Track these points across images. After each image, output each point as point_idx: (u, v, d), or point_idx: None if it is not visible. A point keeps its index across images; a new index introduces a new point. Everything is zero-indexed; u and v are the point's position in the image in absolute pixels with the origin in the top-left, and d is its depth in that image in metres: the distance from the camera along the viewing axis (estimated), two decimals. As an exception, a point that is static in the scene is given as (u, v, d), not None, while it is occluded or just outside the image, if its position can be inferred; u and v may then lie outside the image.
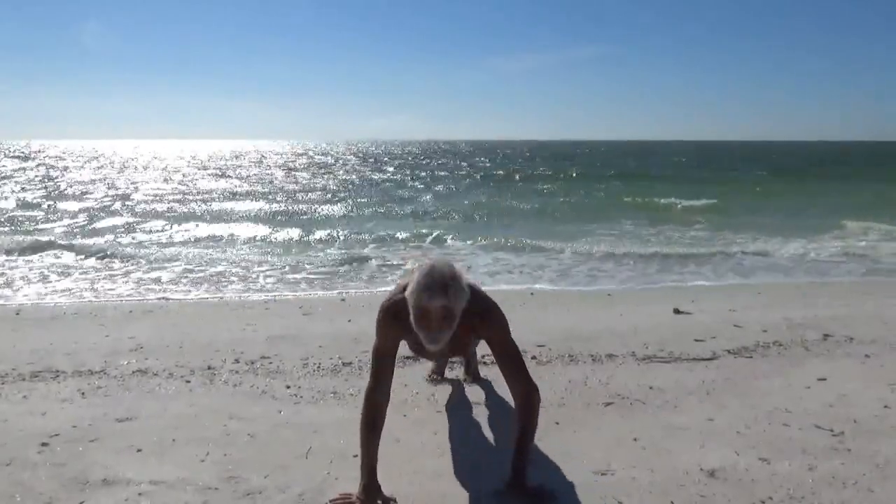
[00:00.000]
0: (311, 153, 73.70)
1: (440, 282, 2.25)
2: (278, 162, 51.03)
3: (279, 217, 16.80)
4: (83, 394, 3.62)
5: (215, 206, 19.26)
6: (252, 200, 20.89)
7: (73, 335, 5.07)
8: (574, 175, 34.46)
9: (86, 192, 23.33)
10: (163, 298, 7.30)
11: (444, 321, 2.29)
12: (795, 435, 2.97)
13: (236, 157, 63.58)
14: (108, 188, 25.60)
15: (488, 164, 48.74)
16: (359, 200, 21.04)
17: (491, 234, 12.68)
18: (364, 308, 6.27)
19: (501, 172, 37.96)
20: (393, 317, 2.47)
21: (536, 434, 2.51)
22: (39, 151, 72.84)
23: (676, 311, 5.84)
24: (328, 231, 13.59)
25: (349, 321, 5.58)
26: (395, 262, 9.84)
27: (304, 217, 16.91)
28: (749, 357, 4.29)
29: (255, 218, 16.53)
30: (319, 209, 18.54)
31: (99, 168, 40.41)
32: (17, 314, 6.13)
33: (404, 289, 2.43)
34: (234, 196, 22.51)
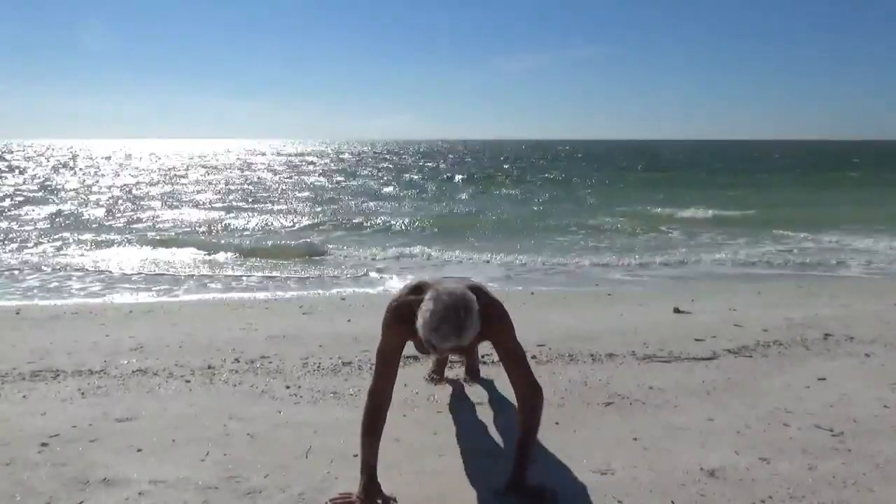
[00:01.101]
0: (295, 153, 72.82)
1: (453, 323, 2.15)
2: (255, 162, 50.04)
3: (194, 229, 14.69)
4: (83, 394, 3.62)
5: (139, 213, 17.41)
6: (184, 207, 18.68)
7: (73, 335, 5.07)
8: (559, 178, 33.11)
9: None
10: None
11: (453, 352, 2.31)
12: (795, 435, 2.97)
13: (216, 156, 62.51)
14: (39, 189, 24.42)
15: (469, 163, 47.91)
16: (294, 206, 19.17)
17: (412, 243, 11.85)
18: (364, 308, 6.28)
19: (491, 170, 37.42)
20: (400, 318, 2.44)
21: (537, 434, 2.51)
22: (14, 151, 71.55)
23: (676, 311, 5.84)
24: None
25: (349, 321, 5.58)
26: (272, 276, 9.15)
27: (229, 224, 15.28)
28: (749, 357, 4.28)
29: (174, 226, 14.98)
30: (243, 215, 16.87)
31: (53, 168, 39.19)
32: (17, 314, 6.13)
33: (412, 290, 2.43)
34: (167, 201, 20.50)
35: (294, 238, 12.85)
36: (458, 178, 32.75)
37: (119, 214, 16.92)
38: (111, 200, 20.47)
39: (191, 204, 19.82)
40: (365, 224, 15.11)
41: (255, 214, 17.08)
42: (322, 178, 32.07)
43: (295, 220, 15.72)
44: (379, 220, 15.49)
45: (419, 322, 2.21)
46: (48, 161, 48.60)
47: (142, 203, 19.78)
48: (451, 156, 64.23)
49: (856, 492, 2.45)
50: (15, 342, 4.83)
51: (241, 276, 9.01)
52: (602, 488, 2.48)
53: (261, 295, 7.56)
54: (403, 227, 14.76)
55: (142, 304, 6.96)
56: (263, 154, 69.62)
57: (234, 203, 20.11)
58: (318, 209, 18.28)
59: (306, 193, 23.76)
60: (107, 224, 15.17)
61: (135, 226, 15.01)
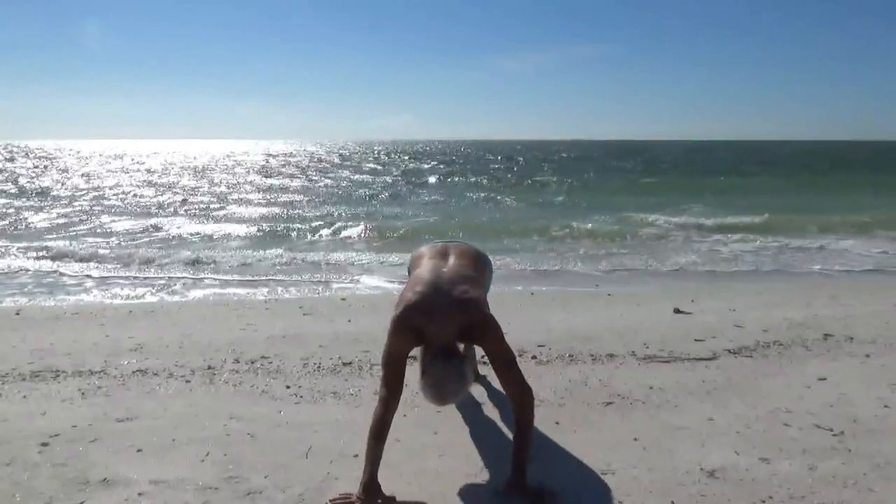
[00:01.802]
0: (286, 153, 71.83)
1: (448, 390, 2.35)
2: (237, 163, 48.47)
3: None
4: (83, 394, 3.62)
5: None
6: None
7: (73, 335, 5.07)
8: (543, 178, 30.70)
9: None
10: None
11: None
12: (795, 435, 2.97)
13: (194, 158, 60.39)
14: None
15: (456, 164, 46.80)
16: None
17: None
18: (364, 308, 6.28)
19: (474, 172, 36.35)
20: (406, 326, 2.45)
21: (537, 434, 2.52)
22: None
23: (676, 311, 5.84)
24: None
25: (349, 321, 5.58)
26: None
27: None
28: (749, 357, 4.28)
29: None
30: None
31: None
32: (17, 314, 6.13)
33: (411, 307, 2.44)
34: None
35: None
36: (432, 178, 31.61)
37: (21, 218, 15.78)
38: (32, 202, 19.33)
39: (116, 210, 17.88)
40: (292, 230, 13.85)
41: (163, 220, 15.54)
42: (292, 180, 30.49)
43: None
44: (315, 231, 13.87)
45: (418, 384, 2.41)
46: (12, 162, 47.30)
47: (63, 206, 18.49)
48: (439, 156, 63.47)
49: (856, 492, 2.45)
50: (15, 342, 4.83)
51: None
52: (602, 488, 2.48)
53: (261, 295, 7.57)
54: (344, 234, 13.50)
55: (142, 304, 6.96)
56: (260, 155, 68.53)
57: (172, 208, 18.56)
58: (277, 211, 17.40)
59: (265, 196, 22.34)
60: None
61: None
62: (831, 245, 11.49)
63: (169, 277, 8.88)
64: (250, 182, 29.28)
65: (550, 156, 66.84)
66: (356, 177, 34.00)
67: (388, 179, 32.05)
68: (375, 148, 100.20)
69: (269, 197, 22.20)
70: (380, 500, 2.34)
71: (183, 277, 8.86)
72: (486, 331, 2.48)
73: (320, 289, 8.01)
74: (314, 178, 32.92)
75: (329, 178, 33.00)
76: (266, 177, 33.01)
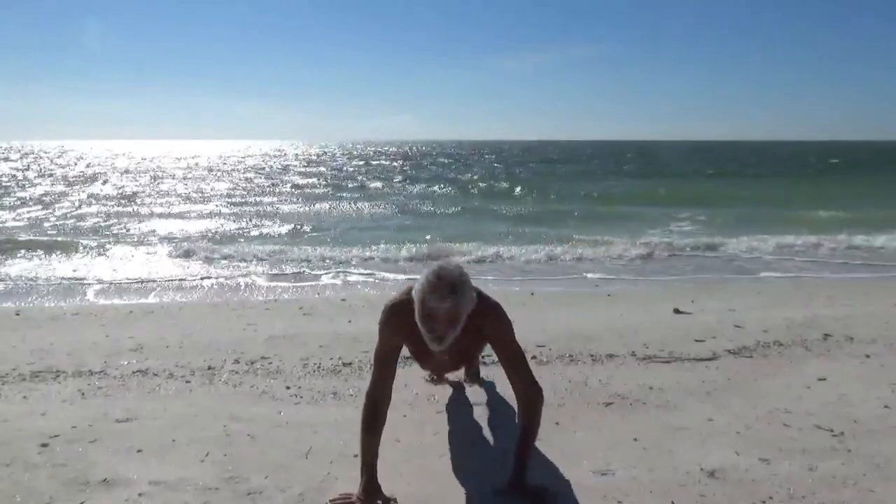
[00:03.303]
0: (264, 154, 71.27)
1: (448, 283, 2.24)
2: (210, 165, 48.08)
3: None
4: (83, 394, 3.62)
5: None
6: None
7: (73, 335, 5.07)
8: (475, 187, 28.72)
9: None
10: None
11: (451, 323, 2.30)
12: (795, 435, 2.97)
13: (161, 158, 60.30)
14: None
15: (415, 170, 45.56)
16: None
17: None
18: (364, 308, 6.28)
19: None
20: (396, 318, 2.47)
21: (537, 434, 2.51)
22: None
23: (676, 311, 5.84)
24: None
25: (349, 321, 5.59)
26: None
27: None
28: (749, 357, 4.28)
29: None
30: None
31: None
32: (17, 314, 6.13)
33: (409, 290, 2.43)
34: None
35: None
36: (377, 184, 29.96)
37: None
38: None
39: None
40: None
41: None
42: (222, 184, 29.45)
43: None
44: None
45: (416, 293, 2.31)
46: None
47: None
48: (417, 158, 63.12)
49: (856, 492, 2.45)
50: (15, 343, 4.83)
51: None
52: (602, 488, 2.47)
53: (261, 295, 7.57)
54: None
55: (142, 304, 6.96)
56: (248, 156, 67.70)
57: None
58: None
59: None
60: None
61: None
62: (825, 247, 11.60)
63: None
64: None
65: (545, 157, 66.54)
66: (301, 180, 32.54)
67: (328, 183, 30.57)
68: (370, 148, 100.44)
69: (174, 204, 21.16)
70: (380, 501, 2.33)
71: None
72: (494, 318, 2.47)
73: (288, 289, 8.02)
74: (244, 183, 31.29)
75: (261, 183, 31.28)
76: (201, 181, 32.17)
